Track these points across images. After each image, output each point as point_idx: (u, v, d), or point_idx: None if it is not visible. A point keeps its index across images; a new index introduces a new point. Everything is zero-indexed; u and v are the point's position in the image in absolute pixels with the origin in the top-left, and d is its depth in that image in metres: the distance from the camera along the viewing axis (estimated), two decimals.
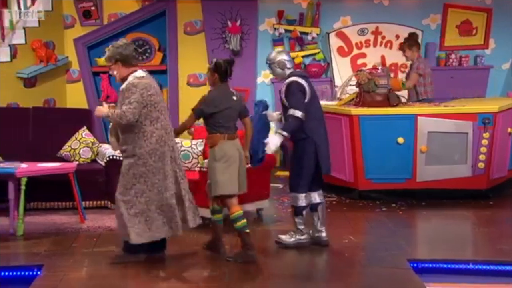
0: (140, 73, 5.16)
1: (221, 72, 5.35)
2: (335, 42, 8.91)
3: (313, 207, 5.63)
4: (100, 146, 6.94)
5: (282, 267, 5.22)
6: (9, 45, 8.17)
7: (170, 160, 5.13)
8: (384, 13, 8.94)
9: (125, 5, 9.03)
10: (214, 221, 5.44)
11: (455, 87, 8.74)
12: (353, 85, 7.62)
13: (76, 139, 6.83)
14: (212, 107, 5.29)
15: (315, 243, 5.63)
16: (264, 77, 9.14)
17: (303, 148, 5.48)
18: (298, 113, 5.38)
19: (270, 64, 5.62)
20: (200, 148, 6.46)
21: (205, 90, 9.04)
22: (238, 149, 5.39)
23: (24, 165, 5.93)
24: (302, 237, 5.62)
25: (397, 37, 8.86)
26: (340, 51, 8.92)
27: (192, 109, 5.38)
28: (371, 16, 8.93)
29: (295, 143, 5.56)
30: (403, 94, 7.63)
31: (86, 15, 8.99)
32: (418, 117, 7.03)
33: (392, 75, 8.28)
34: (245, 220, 5.33)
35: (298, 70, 5.77)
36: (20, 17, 8.29)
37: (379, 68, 7.58)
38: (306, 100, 5.46)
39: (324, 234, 5.64)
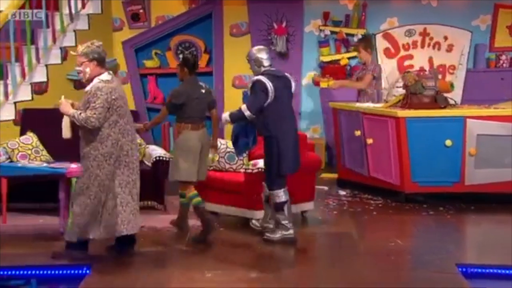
0: (106, 76, 5.21)
1: (189, 66, 5.81)
2: (381, 43, 8.81)
3: (268, 198, 5.82)
4: (147, 148, 7.01)
5: (327, 270, 5.18)
6: (60, 48, 8.34)
7: (124, 164, 5.18)
8: (432, 14, 8.80)
9: (172, 7, 9.12)
10: (181, 204, 5.96)
11: (505, 88, 8.54)
12: (399, 87, 7.53)
13: None
14: (182, 99, 5.71)
15: (261, 231, 5.84)
16: (309, 78, 9.11)
17: (268, 146, 5.68)
18: (247, 112, 5.60)
19: (249, 60, 5.81)
20: None
21: None
22: (200, 140, 5.78)
23: (73, 166, 6.02)
24: (287, 232, 5.70)
25: (445, 38, 8.71)
26: (387, 52, 8.82)
27: (164, 104, 5.86)
28: (418, 17, 8.80)
29: (264, 141, 5.74)
30: (452, 95, 7.49)
31: (135, 18, 9.12)
32: (467, 120, 6.90)
33: (440, 76, 8.14)
34: (200, 198, 5.81)
35: (273, 69, 5.84)
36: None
37: (427, 69, 7.48)
38: (269, 100, 5.60)
39: (271, 226, 5.82)
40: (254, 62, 5.75)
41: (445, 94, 7.28)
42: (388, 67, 8.76)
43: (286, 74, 5.87)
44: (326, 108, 8.78)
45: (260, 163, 6.04)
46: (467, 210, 6.75)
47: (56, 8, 8.33)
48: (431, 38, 8.78)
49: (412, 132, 6.93)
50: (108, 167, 5.13)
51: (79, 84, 8.57)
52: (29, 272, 4.92)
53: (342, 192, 7.48)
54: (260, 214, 6.12)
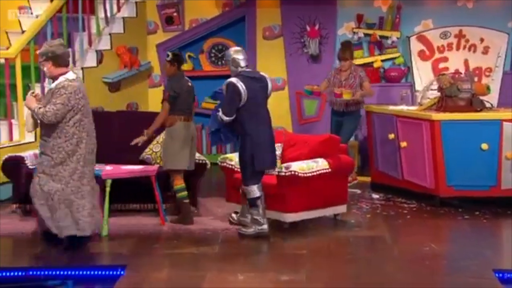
0: (71, 75, 5.34)
1: (180, 61, 6.32)
2: (416, 45, 8.71)
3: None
4: None
5: (360, 274, 5.14)
6: (96, 51, 8.45)
7: (88, 162, 5.33)
8: (468, 15, 8.67)
9: (206, 10, 9.17)
10: (180, 199, 6.23)
11: None
12: (434, 90, 7.44)
13: (157, 142, 6.96)
14: (177, 91, 6.15)
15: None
16: None
17: (243, 144, 5.90)
18: (225, 118, 5.83)
19: (226, 60, 6.05)
20: (278, 152, 6.45)
21: (283, 94, 9.13)
22: (191, 131, 6.26)
23: (109, 168, 6.10)
24: (260, 227, 5.88)
25: (482, 40, 8.58)
26: (421, 55, 8.72)
27: (163, 101, 6.17)
28: (454, 19, 8.68)
29: (240, 139, 5.96)
30: (488, 98, 7.37)
31: (169, 21, 9.19)
32: (504, 123, 6.79)
33: (476, 79, 8.02)
34: (185, 193, 6.21)
35: (249, 70, 6.01)
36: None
37: (462, 72, 7.38)
38: (242, 102, 5.81)
39: (265, 226, 5.90)
40: (232, 63, 5.95)
41: (481, 97, 7.17)
42: (422, 70, 8.67)
43: (263, 74, 6.08)
44: None
45: (293, 166, 6.04)
46: (503, 215, 6.64)
47: (92, 11, 8.44)
48: (467, 40, 8.66)
49: (447, 136, 6.84)
50: (71, 164, 5.24)
51: (113, 87, 8.70)
52: (66, 273, 4.98)
53: (375, 196, 7.43)
54: (294, 216, 6.11)
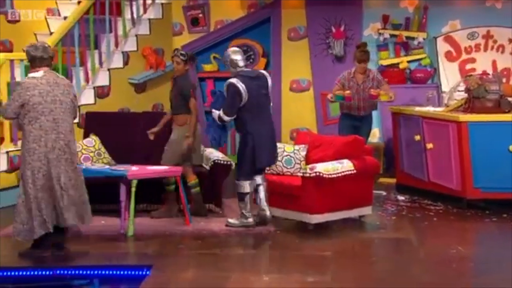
0: (36, 73, 5.41)
1: (193, 62, 6.66)
2: (442, 46, 8.63)
3: (255, 189, 6.12)
4: (205, 150, 7.06)
5: (386, 276, 5.11)
6: (122, 52, 8.52)
7: (49, 160, 5.29)
8: (496, 16, 8.55)
9: (231, 12, 9.18)
10: (197, 194, 6.44)
11: None
12: (461, 91, 7.36)
13: None
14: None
15: (261, 221, 6.09)
16: None
17: (245, 142, 6.04)
18: (226, 118, 6.03)
19: (224, 62, 6.19)
20: (303, 153, 6.44)
21: (308, 95, 9.11)
22: (199, 128, 6.53)
23: (134, 168, 6.14)
24: (246, 220, 6.11)
25: (510, 41, 8.46)
26: (448, 56, 8.63)
27: (189, 98, 6.37)
28: (482, 19, 8.57)
29: (240, 137, 6.14)
30: None
31: (194, 22, 9.22)
32: None
33: (504, 80, 7.91)
34: (198, 188, 6.44)
35: (248, 69, 6.18)
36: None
37: (490, 73, 7.29)
38: (243, 102, 5.97)
39: (268, 213, 6.08)
40: (230, 64, 6.11)
41: (510, 98, 7.07)
42: (449, 71, 8.58)
43: (263, 72, 6.24)
44: (384, 111, 8.66)
45: (318, 167, 6.02)
46: None
47: (118, 13, 8.52)
48: (495, 41, 8.54)
49: (474, 137, 6.77)
50: (32, 163, 5.27)
51: (139, 88, 8.77)
52: (92, 272, 5.03)
53: (400, 197, 7.38)
54: (318, 217, 6.09)
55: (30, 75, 5.45)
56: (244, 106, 5.97)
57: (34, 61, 5.48)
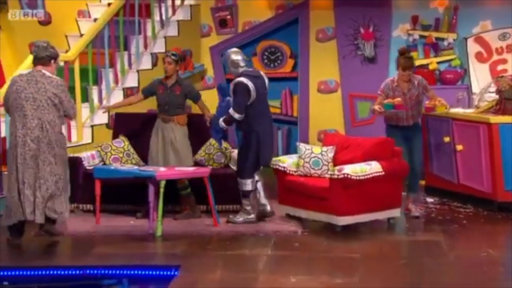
0: (23, 71, 5.80)
1: (183, 62, 6.85)
2: (473, 47, 8.53)
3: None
4: (233, 152, 7.09)
5: (415, 279, 5.06)
6: (151, 54, 8.58)
7: (20, 153, 5.54)
8: None
9: (259, 13, 9.19)
10: (187, 194, 6.43)
11: None
12: (492, 92, 7.27)
13: (210, 144, 7.02)
14: None
15: (262, 216, 6.30)
16: None
17: (249, 139, 6.16)
18: (236, 115, 6.12)
19: (225, 62, 6.32)
20: (331, 155, 6.43)
21: (336, 96, 9.07)
22: None
23: (163, 169, 6.18)
24: (249, 216, 6.27)
25: None
26: (479, 57, 8.53)
27: (200, 97, 6.57)
28: None
29: (244, 135, 6.22)
30: None
31: (222, 23, 9.26)
32: None
33: None
34: (189, 189, 6.45)
35: (250, 69, 6.36)
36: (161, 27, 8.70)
37: None
38: (251, 99, 6.12)
39: (268, 207, 6.29)
40: (231, 64, 6.24)
41: None
42: (480, 72, 8.48)
43: (261, 72, 6.40)
44: None
45: (346, 168, 6.00)
46: None
47: (148, 15, 8.58)
48: None
49: (505, 139, 6.68)
50: (11, 157, 5.59)
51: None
52: (121, 272, 5.08)
53: (430, 200, 7.31)
54: (346, 219, 6.07)
55: (18, 72, 5.84)
56: (251, 104, 6.13)
57: (34, 59, 5.78)
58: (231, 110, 6.14)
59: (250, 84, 6.12)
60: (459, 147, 7.06)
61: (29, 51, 8.20)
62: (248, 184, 6.24)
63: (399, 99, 6.57)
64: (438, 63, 8.74)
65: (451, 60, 8.72)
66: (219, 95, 6.55)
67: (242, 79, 6.12)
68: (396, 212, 6.39)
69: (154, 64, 8.58)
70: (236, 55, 6.27)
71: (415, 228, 6.33)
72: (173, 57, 6.53)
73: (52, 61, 5.81)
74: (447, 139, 7.22)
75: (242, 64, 6.25)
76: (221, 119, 6.27)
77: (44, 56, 5.70)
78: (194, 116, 6.86)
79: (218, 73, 9.37)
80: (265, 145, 6.22)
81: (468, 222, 6.47)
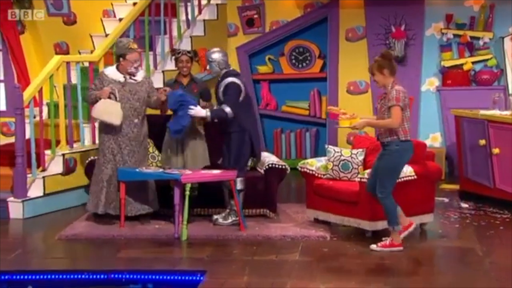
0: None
1: (197, 59, 6.72)
2: (510, 47, 8.42)
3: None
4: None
5: (449, 287, 5.01)
6: None
7: None
8: None
9: (287, 12, 9.20)
10: (189, 197, 6.10)
11: None
12: None
13: None
14: None
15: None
16: (429, 84, 8.88)
17: (242, 139, 6.29)
18: (227, 109, 6.21)
19: (210, 61, 6.32)
20: (361, 157, 6.39)
21: (366, 98, 9.03)
22: None
23: (188, 172, 6.21)
24: (237, 218, 6.28)
25: None
26: None
27: (211, 97, 6.66)
28: None
29: (229, 135, 6.30)
30: None
31: (249, 23, 9.28)
32: None
33: None
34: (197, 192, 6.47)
35: (232, 69, 6.46)
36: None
37: None
38: (241, 99, 6.28)
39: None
40: (217, 64, 6.31)
41: None
42: None
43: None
44: (447, 115, 8.52)
45: None
46: None
47: (174, 14, 8.63)
48: None
49: None
50: None
51: None
52: (146, 277, 5.11)
53: (464, 205, 7.23)
54: (377, 225, 6.03)
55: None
56: (241, 103, 6.29)
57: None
58: (223, 105, 6.23)
59: (241, 84, 6.33)
60: (496, 151, 6.98)
61: (54, 51, 8.36)
62: (240, 183, 6.35)
63: (343, 110, 5.93)
64: (473, 63, 8.65)
65: (487, 60, 8.62)
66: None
67: (234, 79, 6.29)
68: (429, 217, 6.33)
69: None
70: (223, 56, 6.36)
71: (449, 234, 6.26)
72: (189, 54, 6.56)
73: (121, 59, 6.34)
74: (482, 142, 7.13)
75: (225, 65, 6.35)
76: (204, 111, 6.26)
77: (116, 55, 6.29)
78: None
79: (245, 73, 9.37)
80: (258, 142, 6.47)
81: (504, 228, 6.39)
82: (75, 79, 7.60)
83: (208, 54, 6.39)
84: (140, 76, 6.51)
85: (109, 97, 6.32)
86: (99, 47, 7.91)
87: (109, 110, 6.28)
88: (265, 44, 9.36)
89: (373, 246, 5.76)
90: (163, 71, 8.42)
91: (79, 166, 7.32)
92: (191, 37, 8.78)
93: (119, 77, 6.44)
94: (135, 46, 6.44)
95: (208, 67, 6.43)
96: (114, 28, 8.29)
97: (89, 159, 6.93)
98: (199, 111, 6.26)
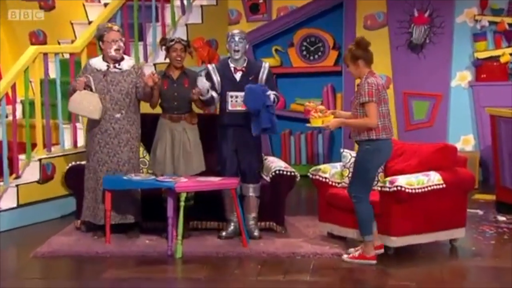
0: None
1: (190, 49, 6.70)
2: None
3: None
4: (266, 159, 7.09)
5: None
6: None
7: None
8: None
9: None
10: (185, 207, 6.11)
11: None
12: None
13: None
14: None
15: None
16: (460, 79, 8.88)
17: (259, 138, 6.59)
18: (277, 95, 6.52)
19: (244, 39, 6.54)
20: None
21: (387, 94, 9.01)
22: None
23: (184, 179, 6.22)
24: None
25: None
26: None
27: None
28: None
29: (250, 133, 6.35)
30: None
31: (253, 9, 9.30)
32: None
33: None
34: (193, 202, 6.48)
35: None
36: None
37: None
38: None
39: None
40: (246, 49, 6.57)
41: None
42: None
43: None
44: (481, 114, 8.51)
45: (400, 180, 5.96)
46: None
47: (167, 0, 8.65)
48: None
49: None
50: None
51: None
52: None
53: (501, 218, 7.24)
54: (400, 240, 6.02)
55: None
56: None
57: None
58: (274, 95, 6.39)
59: None
60: None
61: (29, 42, 8.38)
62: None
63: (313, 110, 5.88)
64: (511, 54, 8.65)
65: None
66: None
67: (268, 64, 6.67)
68: (460, 233, 6.34)
69: None
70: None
71: (483, 252, 6.26)
72: (184, 42, 6.56)
73: (100, 43, 6.49)
74: None
75: None
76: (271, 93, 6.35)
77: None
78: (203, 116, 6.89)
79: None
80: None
81: None
82: (53, 73, 7.61)
83: (237, 32, 6.52)
84: (126, 64, 6.51)
85: (85, 88, 6.33)
86: (81, 37, 7.93)
87: (85, 103, 6.29)
88: (271, 33, 9.38)
89: (344, 256, 5.96)
90: (154, 64, 8.43)
91: (58, 173, 7.33)
92: (186, 25, 8.80)
93: (102, 66, 6.47)
94: (113, 26, 6.49)
95: (240, 46, 6.44)
96: (98, 14, 8.30)
97: (70, 164, 6.94)
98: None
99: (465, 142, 8.87)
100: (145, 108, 7.08)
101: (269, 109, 6.26)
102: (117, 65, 6.47)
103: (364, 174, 5.82)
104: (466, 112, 8.86)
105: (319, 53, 9.41)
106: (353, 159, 6.42)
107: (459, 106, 8.85)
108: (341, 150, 6.67)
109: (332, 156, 9.17)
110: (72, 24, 9.00)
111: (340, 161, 6.61)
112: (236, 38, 6.46)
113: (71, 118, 7.56)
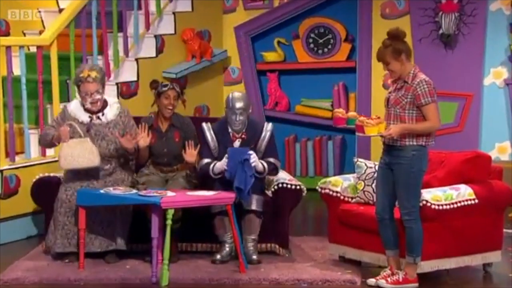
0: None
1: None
2: None
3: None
4: None
5: None
6: (155, 36, 8.65)
7: None
8: None
9: None
10: (175, 230, 6.28)
11: None
12: None
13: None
14: None
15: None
16: (494, 77, 8.90)
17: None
18: (278, 164, 6.75)
19: (247, 107, 6.49)
20: None
21: None
22: None
23: (171, 193, 6.21)
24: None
25: None
26: None
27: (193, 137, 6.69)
28: None
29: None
30: None
31: None
32: None
33: None
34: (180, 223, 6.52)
35: None
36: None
37: None
38: None
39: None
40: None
41: None
42: None
43: None
44: None
45: (424, 194, 5.98)
46: None
47: None
48: None
49: None
50: None
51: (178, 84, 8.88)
52: None
53: None
54: (426, 265, 6.03)
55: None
56: None
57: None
58: (277, 162, 6.63)
59: None
60: None
61: None
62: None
63: (362, 117, 5.87)
64: None
65: None
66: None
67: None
68: (495, 256, 6.35)
69: (160, 51, 8.65)
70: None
71: None
72: (177, 89, 6.56)
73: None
74: None
75: None
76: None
77: None
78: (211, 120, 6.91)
79: (246, 62, 9.41)
80: None
81: None
82: (18, 69, 7.62)
83: (238, 99, 6.43)
84: (111, 113, 6.50)
85: (72, 137, 6.34)
86: (51, 27, 7.92)
87: (79, 153, 6.30)
88: (273, 23, 9.41)
89: (382, 282, 5.83)
90: (136, 59, 8.45)
91: (24, 187, 7.33)
92: (174, 13, 8.83)
93: (84, 117, 6.47)
94: (90, 74, 6.37)
95: (241, 121, 6.43)
96: (70, 1, 8.31)
97: (37, 176, 6.94)
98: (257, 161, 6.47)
99: (501, 151, 8.88)
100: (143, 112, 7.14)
101: (244, 166, 6.27)
102: (100, 114, 6.48)
103: (417, 185, 5.79)
104: (501, 115, 8.87)
105: (329, 46, 9.44)
106: (369, 170, 6.44)
107: (493, 108, 8.87)
108: (355, 160, 6.67)
109: (344, 166, 9.18)
110: (40, 12, 9.01)
111: (353, 172, 6.62)
112: (237, 111, 6.45)
113: (38, 122, 7.56)
